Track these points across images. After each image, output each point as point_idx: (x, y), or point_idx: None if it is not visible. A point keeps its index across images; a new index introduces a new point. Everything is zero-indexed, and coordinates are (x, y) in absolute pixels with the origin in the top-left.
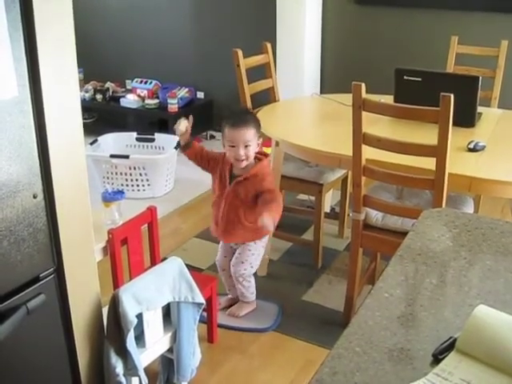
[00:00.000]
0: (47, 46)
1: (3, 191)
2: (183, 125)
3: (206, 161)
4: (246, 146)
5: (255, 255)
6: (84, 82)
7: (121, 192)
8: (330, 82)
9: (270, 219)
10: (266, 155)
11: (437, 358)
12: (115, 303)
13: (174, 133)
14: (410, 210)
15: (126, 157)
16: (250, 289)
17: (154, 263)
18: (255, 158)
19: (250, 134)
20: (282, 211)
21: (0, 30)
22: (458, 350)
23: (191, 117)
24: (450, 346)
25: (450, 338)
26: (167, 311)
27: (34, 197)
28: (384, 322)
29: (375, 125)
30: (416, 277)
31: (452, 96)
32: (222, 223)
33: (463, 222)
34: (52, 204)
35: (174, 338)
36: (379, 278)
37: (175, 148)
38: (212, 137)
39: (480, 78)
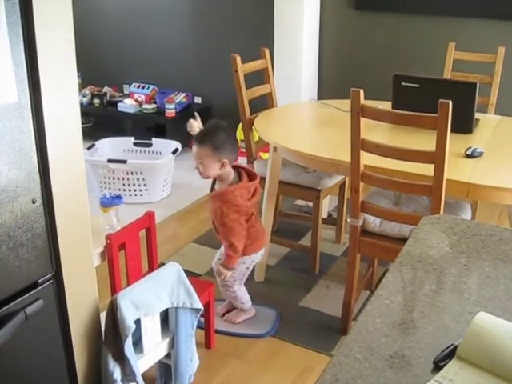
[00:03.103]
0: (47, 51)
1: (2, 196)
2: (195, 126)
3: None
4: (200, 163)
5: (237, 272)
6: (82, 86)
7: (119, 197)
8: (328, 88)
9: (220, 270)
10: (252, 178)
11: (438, 365)
12: (113, 309)
13: (173, 137)
14: (407, 216)
15: (124, 162)
16: (238, 299)
17: (151, 268)
18: (239, 176)
19: (202, 153)
20: (280, 216)
21: (0, 34)
22: (458, 357)
23: (196, 114)
24: (450, 353)
25: (451, 345)
26: (165, 317)
27: (33, 202)
28: (384, 328)
29: (373, 131)
30: (416, 283)
31: (450, 102)
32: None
33: (462, 229)
34: (51, 209)
35: (172, 344)
36: (379, 285)
37: (173, 153)
38: None
39: (478, 84)
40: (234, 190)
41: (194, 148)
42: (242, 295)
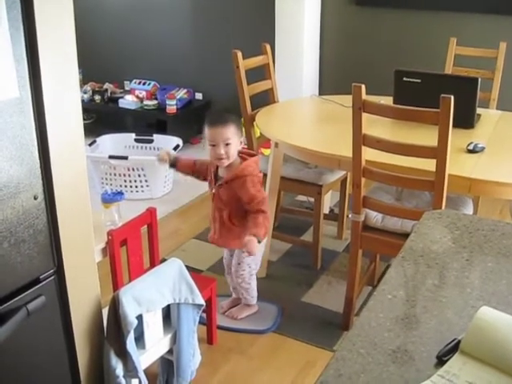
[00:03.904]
0: (48, 47)
1: (4, 192)
2: (163, 152)
3: (198, 170)
4: (227, 145)
5: (251, 256)
6: (83, 83)
7: (120, 193)
8: (329, 84)
9: (252, 243)
10: (252, 155)
11: (441, 360)
12: (115, 305)
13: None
14: (409, 212)
15: (125, 158)
16: (250, 292)
17: (153, 264)
18: (241, 157)
19: (228, 131)
20: (281, 212)
21: (1, 30)
22: (462, 352)
23: (169, 151)
24: (453, 348)
25: (454, 339)
26: (167, 313)
27: (35, 198)
28: (387, 323)
29: (374, 126)
30: (418, 278)
31: (452, 97)
32: (213, 226)
33: (464, 224)
34: (52, 205)
35: (174, 340)
36: (382, 280)
37: (174, 149)
38: None
39: (479, 79)
40: (250, 163)
41: (217, 130)
42: (254, 287)
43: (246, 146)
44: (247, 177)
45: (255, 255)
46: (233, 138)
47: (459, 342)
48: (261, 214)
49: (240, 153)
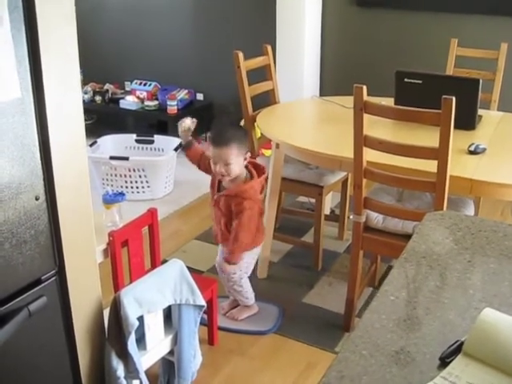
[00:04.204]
0: (50, 48)
1: (5, 193)
2: (188, 121)
3: (204, 163)
4: (227, 164)
5: (244, 261)
6: (83, 83)
7: (121, 194)
8: (330, 85)
9: (224, 266)
10: (260, 172)
11: (444, 362)
12: (116, 306)
13: (174, 134)
14: (410, 213)
15: (126, 158)
16: (243, 294)
17: (154, 265)
18: (248, 169)
19: (229, 153)
20: (281, 213)
21: (3, 31)
22: (464, 354)
23: (195, 120)
24: (456, 350)
25: (457, 341)
26: (168, 314)
27: (36, 199)
28: (390, 325)
29: (376, 127)
30: (421, 280)
31: (454, 99)
32: (215, 226)
33: (466, 225)
34: (54, 206)
35: (175, 341)
36: (384, 281)
37: (175, 149)
38: None
39: (481, 80)
40: (254, 185)
41: (217, 151)
42: (247, 290)
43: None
44: (244, 200)
45: (228, 272)
46: (234, 159)
47: (462, 343)
48: (235, 241)
49: (248, 163)
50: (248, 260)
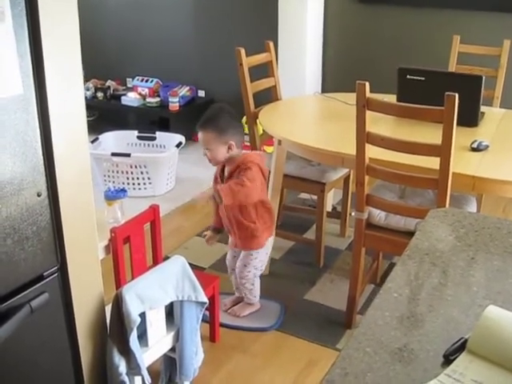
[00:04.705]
0: (52, 43)
1: (7, 189)
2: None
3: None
4: (207, 149)
5: (258, 259)
6: (85, 79)
7: (123, 190)
8: (332, 81)
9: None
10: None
11: (448, 359)
12: (118, 302)
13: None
14: (413, 210)
15: (128, 155)
16: (253, 292)
17: (156, 262)
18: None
19: (205, 137)
20: (283, 210)
21: (5, 26)
22: (468, 351)
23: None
24: (460, 347)
25: (461, 338)
26: (170, 310)
27: (38, 195)
28: (393, 322)
29: (378, 124)
30: (424, 277)
31: (456, 95)
32: (227, 226)
33: (470, 222)
34: (56, 202)
35: (177, 337)
36: (387, 278)
37: (177, 146)
38: None
39: (483, 77)
40: (252, 154)
41: (199, 135)
42: (257, 288)
43: (248, 144)
44: (250, 163)
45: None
46: (211, 144)
47: (466, 340)
48: (238, 183)
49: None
50: (261, 258)
